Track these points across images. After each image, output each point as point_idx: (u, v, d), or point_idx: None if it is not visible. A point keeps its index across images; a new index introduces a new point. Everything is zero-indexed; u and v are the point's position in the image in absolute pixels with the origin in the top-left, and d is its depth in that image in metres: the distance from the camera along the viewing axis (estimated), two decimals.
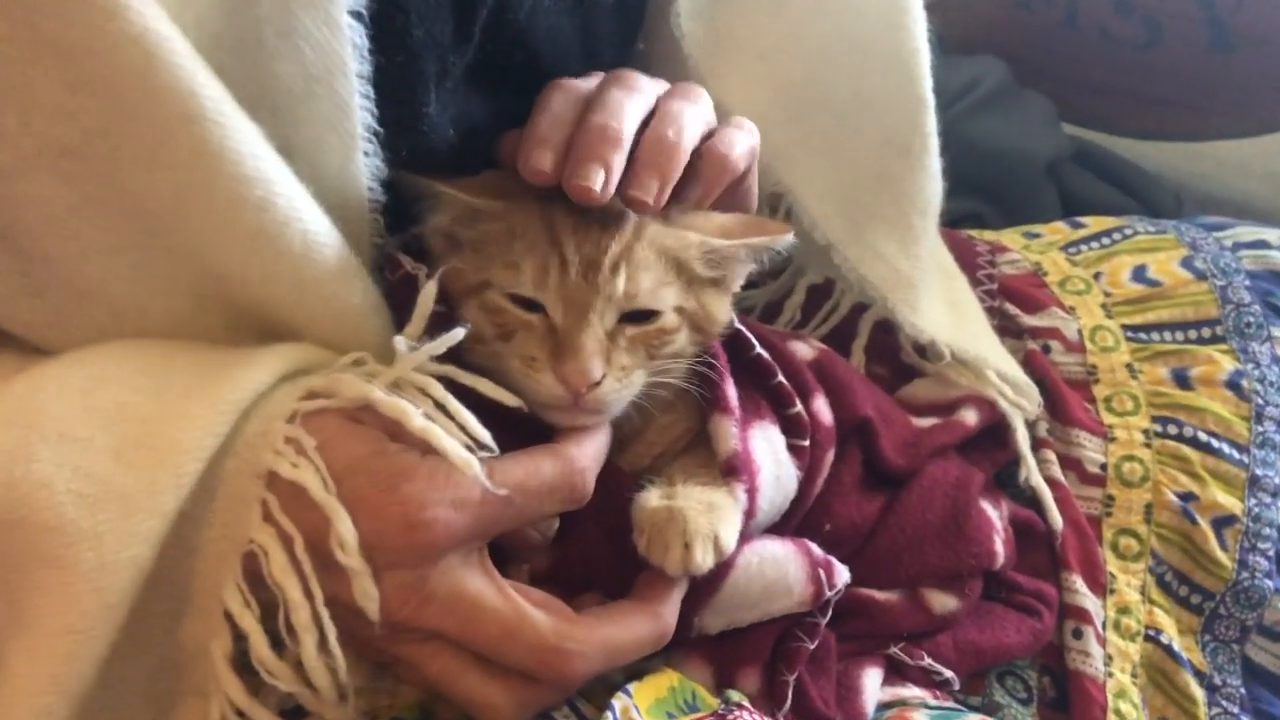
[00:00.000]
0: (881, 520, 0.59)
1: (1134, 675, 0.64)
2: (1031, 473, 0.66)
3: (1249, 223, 0.83)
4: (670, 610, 0.47)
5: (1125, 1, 1.24)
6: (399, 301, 0.48)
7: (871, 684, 0.56)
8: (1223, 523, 0.67)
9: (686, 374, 0.51)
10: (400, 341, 0.44)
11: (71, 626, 0.37)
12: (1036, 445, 0.69)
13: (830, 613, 0.54)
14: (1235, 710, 0.64)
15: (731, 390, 0.51)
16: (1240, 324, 0.73)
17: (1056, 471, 0.68)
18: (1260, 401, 0.70)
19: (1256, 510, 0.67)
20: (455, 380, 0.45)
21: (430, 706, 0.47)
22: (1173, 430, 0.69)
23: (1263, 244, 0.78)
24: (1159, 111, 1.28)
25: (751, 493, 0.49)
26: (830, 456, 0.56)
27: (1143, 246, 0.78)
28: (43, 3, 0.36)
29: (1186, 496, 0.67)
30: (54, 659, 0.38)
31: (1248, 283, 0.75)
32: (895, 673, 0.58)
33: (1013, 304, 0.75)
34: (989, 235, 0.85)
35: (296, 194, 0.41)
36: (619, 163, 0.46)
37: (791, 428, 0.53)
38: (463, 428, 0.43)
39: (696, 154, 0.50)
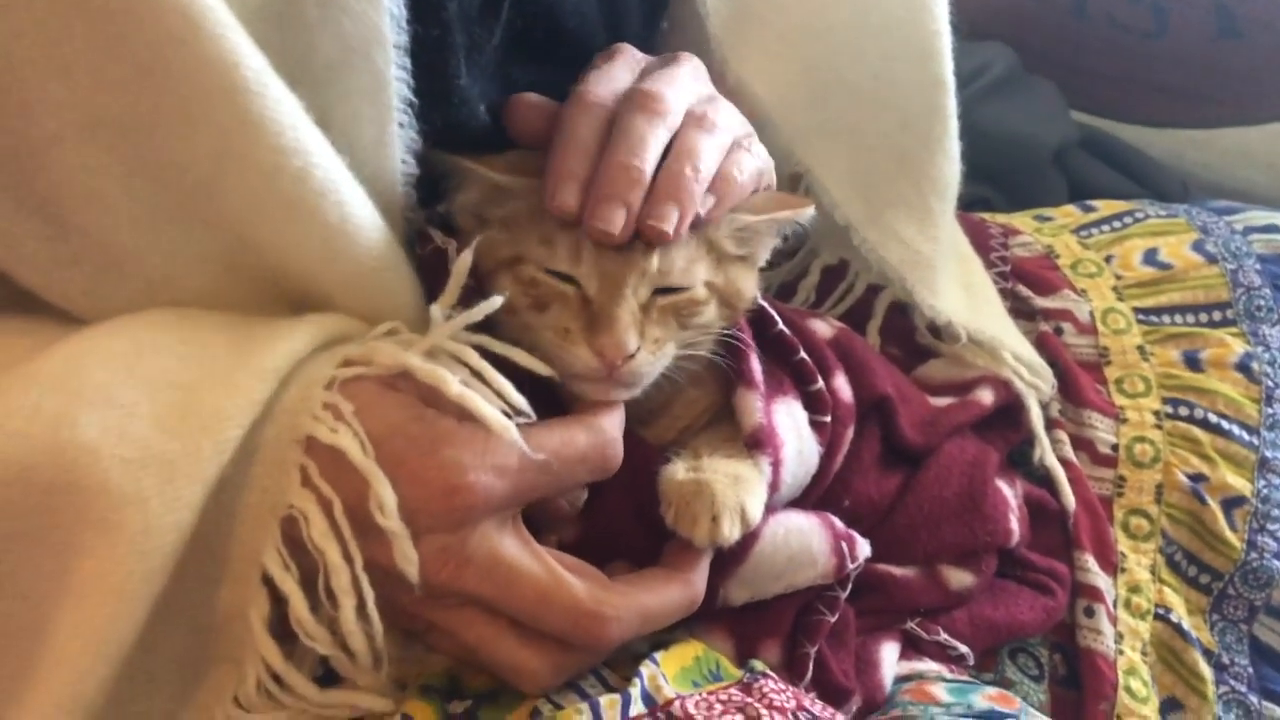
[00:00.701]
0: (899, 497, 0.59)
1: (1144, 653, 0.64)
2: (1046, 452, 0.67)
3: (1259, 207, 0.83)
4: (700, 577, 0.47)
5: None
6: (429, 275, 0.48)
7: (889, 657, 0.56)
8: (1232, 503, 0.67)
9: (714, 347, 0.52)
10: (436, 310, 0.45)
11: (116, 589, 0.38)
12: (1049, 426, 0.69)
13: (850, 587, 0.54)
14: (1243, 689, 0.65)
15: (756, 365, 0.52)
16: (1251, 307, 0.74)
17: (1069, 452, 0.69)
18: (1270, 384, 0.71)
19: (1266, 491, 0.68)
20: (488, 350, 0.45)
21: (458, 674, 0.47)
22: (1183, 412, 0.70)
23: (1274, 228, 0.79)
24: (1166, 99, 1.29)
25: (776, 465, 0.50)
26: (850, 433, 0.57)
27: (1154, 230, 0.79)
28: None
29: (1197, 477, 0.68)
30: (99, 620, 0.38)
31: (1258, 266, 0.75)
32: (912, 647, 0.59)
33: (1025, 286, 0.76)
34: (1001, 218, 0.85)
35: (334, 165, 0.41)
36: (639, 202, 0.46)
37: (813, 404, 0.54)
38: (499, 394, 0.43)
39: None
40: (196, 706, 0.44)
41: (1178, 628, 0.65)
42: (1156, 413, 0.70)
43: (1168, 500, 0.68)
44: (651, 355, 0.47)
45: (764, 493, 0.49)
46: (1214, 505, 0.67)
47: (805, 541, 0.51)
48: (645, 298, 0.48)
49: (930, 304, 0.66)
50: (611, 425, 0.46)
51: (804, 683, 0.51)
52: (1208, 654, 0.65)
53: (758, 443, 0.50)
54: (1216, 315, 0.74)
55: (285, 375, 0.42)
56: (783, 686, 0.46)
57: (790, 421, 0.52)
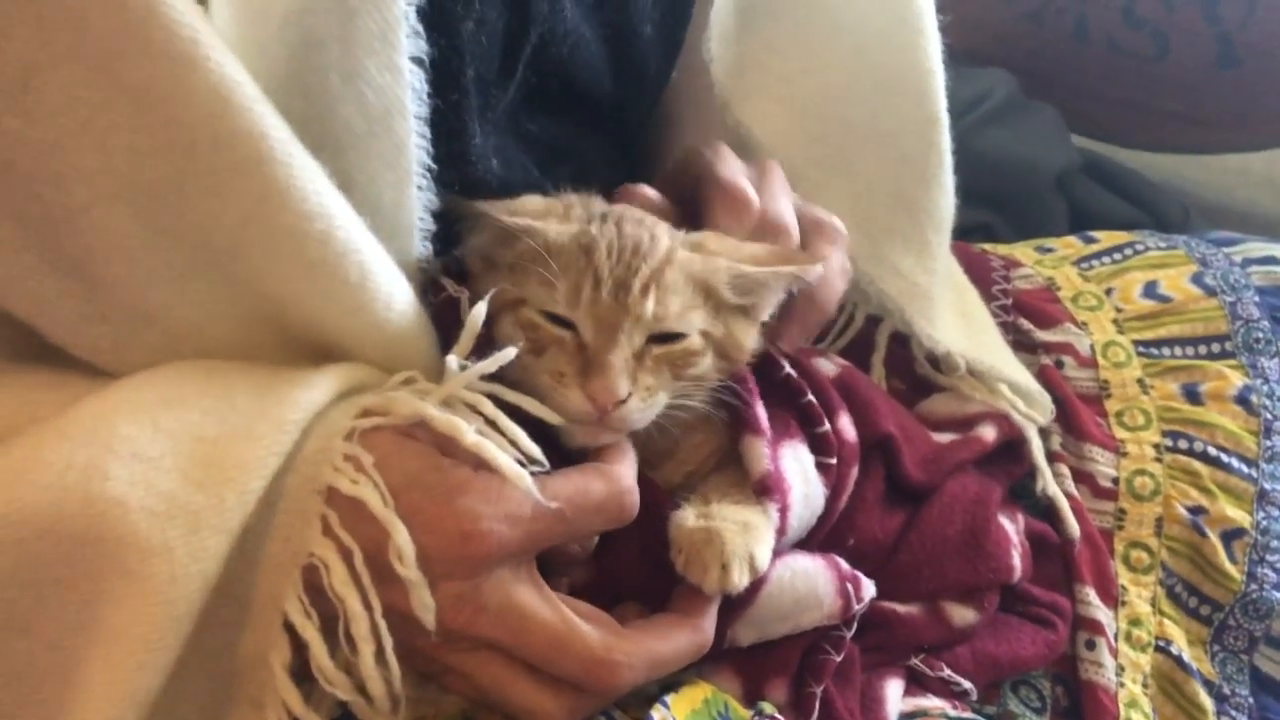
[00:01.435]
0: (903, 535, 0.60)
1: (1145, 685, 0.65)
2: (1048, 483, 0.68)
3: (1258, 238, 0.84)
4: (709, 623, 0.48)
5: (1134, 15, 1.25)
6: (442, 323, 0.49)
7: (894, 695, 0.57)
8: (1232, 535, 0.68)
9: (712, 399, 0.52)
10: (452, 360, 0.46)
11: (144, 637, 0.39)
12: (1050, 459, 0.70)
13: (855, 627, 0.55)
14: (1243, 719, 0.65)
15: (762, 411, 0.53)
16: (1250, 339, 0.74)
17: (1070, 485, 0.69)
18: (1269, 416, 0.71)
19: (1265, 523, 0.68)
20: (500, 398, 0.46)
21: (473, 716, 0.48)
22: (1183, 445, 0.70)
23: (1272, 260, 0.79)
24: (1167, 124, 1.30)
25: (784, 511, 0.51)
26: (855, 473, 0.57)
27: (1154, 262, 0.80)
28: (126, 53, 0.37)
29: (1196, 510, 0.68)
30: (127, 668, 0.39)
31: (1257, 299, 0.76)
32: (915, 683, 0.59)
33: (1026, 319, 0.77)
34: (1002, 250, 0.86)
35: (355, 227, 0.43)
36: None
37: (819, 446, 0.55)
38: (514, 443, 0.45)
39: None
40: None
41: (1178, 659, 0.65)
42: (1156, 446, 0.71)
43: (1168, 533, 0.68)
44: (642, 402, 0.48)
45: (772, 539, 0.50)
46: (1214, 537, 0.67)
47: (811, 584, 0.52)
48: (640, 345, 0.49)
49: (929, 334, 0.67)
50: (627, 474, 0.47)
51: None
52: (1208, 685, 0.65)
53: (766, 489, 0.50)
54: (1215, 348, 0.74)
55: (306, 426, 0.43)
56: None
57: (797, 466, 0.53)
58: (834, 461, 0.55)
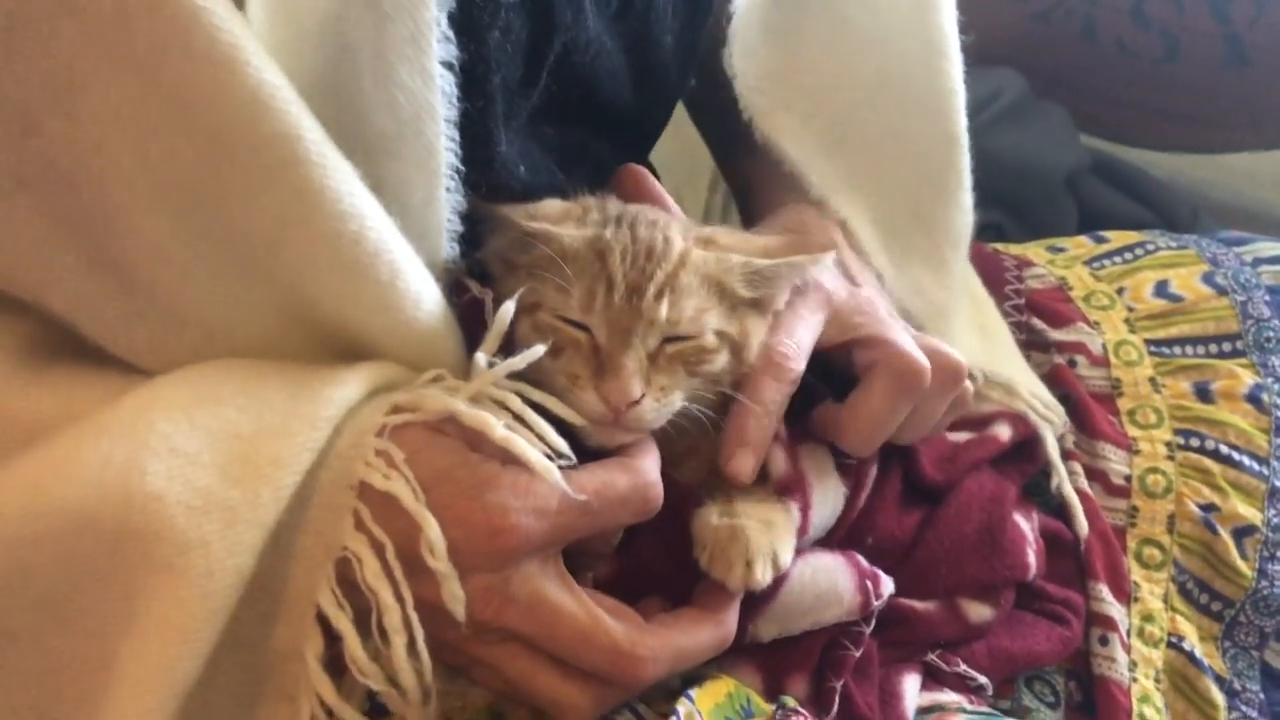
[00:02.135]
0: (921, 533, 0.61)
1: (1157, 680, 0.65)
2: (1063, 481, 0.68)
3: (1268, 238, 0.84)
4: (731, 618, 0.49)
5: (1143, 16, 1.26)
6: (466, 323, 0.50)
7: (911, 689, 0.58)
8: (1243, 533, 0.68)
9: (726, 402, 0.53)
10: (480, 358, 0.47)
11: (181, 629, 0.40)
12: (1064, 457, 0.70)
13: (874, 623, 0.56)
14: (1254, 714, 0.65)
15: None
16: (1260, 338, 0.75)
17: (1083, 483, 0.70)
18: None
19: (1276, 521, 0.68)
20: (524, 396, 0.47)
21: (500, 709, 0.49)
22: (1195, 443, 0.71)
23: None
24: (1176, 124, 1.30)
25: (805, 510, 0.51)
26: (873, 472, 0.58)
27: (1164, 262, 0.80)
28: (166, 56, 0.38)
29: (1208, 507, 0.69)
30: (164, 659, 0.40)
31: (1267, 298, 0.76)
32: (932, 679, 0.60)
33: (1039, 319, 0.78)
34: (1015, 250, 0.86)
35: (386, 228, 0.44)
36: None
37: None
38: (541, 438, 0.45)
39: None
40: None
41: (1190, 655, 0.66)
42: (1169, 444, 0.71)
43: (1180, 530, 0.69)
44: (656, 402, 0.49)
45: (794, 538, 0.50)
46: (1225, 535, 0.68)
47: (832, 580, 0.53)
48: (654, 346, 0.49)
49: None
50: (651, 468, 0.48)
51: (830, 716, 0.52)
52: (1220, 680, 0.66)
53: (787, 489, 0.51)
54: (1226, 346, 0.75)
55: (338, 423, 0.44)
56: None
57: (816, 466, 0.54)
58: (853, 462, 0.56)
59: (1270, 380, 0.73)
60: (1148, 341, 0.76)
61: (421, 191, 0.46)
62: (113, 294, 0.43)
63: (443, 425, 0.45)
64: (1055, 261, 0.83)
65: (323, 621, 0.44)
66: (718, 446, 0.53)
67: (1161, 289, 0.78)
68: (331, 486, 0.43)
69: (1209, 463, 0.70)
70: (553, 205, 0.53)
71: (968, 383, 0.60)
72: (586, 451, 0.48)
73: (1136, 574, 0.68)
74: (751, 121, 0.63)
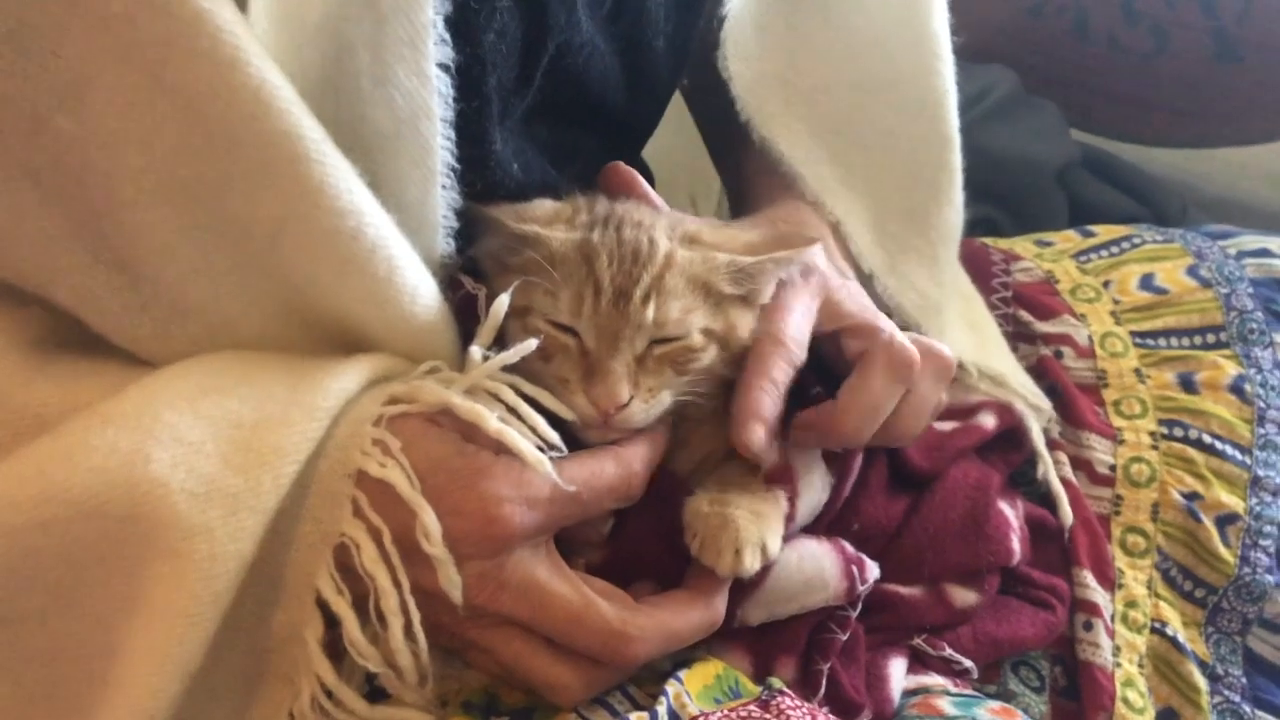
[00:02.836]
0: (906, 520, 0.62)
1: (1140, 665, 0.66)
2: (1049, 469, 0.69)
3: (1252, 231, 0.85)
4: (720, 601, 0.50)
5: (1134, 11, 1.26)
6: (461, 319, 0.51)
7: (897, 673, 0.59)
8: (1226, 521, 0.69)
9: (719, 392, 0.54)
10: (475, 351, 0.48)
11: (184, 611, 0.41)
12: (1049, 447, 0.71)
13: (860, 607, 0.57)
14: (1236, 699, 0.67)
15: None
16: (1244, 330, 0.76)
17: (1068, 472, 0.71)
18: (1262, 405, 0.73)
19: (1258, 509, 0.69)
20: (518, 389, 0.49)
21: (495, 692, 0.50)
22: (1179, 433, 0.72)
23: (1265, 252, 0.81)
24: (1166, 119, 1.30)
25: (793, 499, 0.52)
26: (859, 461, 0.59)
27: (1150, 255, 0.81)
28: (171, 55, 0.39)
29: (1191, 496, 0.70)
30: (168, 641, 0.41)
31: (1251, 290, 0.77)
32: (918, 662, 0.61)
33: (1026, 311, 0.79)
34: (1003, 244, 0.87)
35: (384, 224, 0.45)
36: None
37: None
38: (534, 430, 0.47)
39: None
40: None
41: (1173, 641, 0.67)
42: (1153, 434, 0.72)
43: (1163, 518, 0.70)
44: (645, 404, 0.50)
45: (782, 526, 0.51)
46: (1208, 522, 0.69)
47: (818, 566, 0.54)
48: (641, 349, 0.50)
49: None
50: (636, 458, 0.49)
51: (818, 698, 0.53)
52: (1203, 665, 0.67)
53: (776, 479, 0.52)
54: (1210, 338, 0.76)
55: (337, 413, 0.45)
56: (799, 703, 0.48)
57: (804, 456, 0.54)
58: (840, 450, 0.57)
59: (1253, 371, 0.74)
60: (1133, 333, 0.77)
61: (418, 189, 0.47)
62: (118, 287, 0.44)
63: (438, 416, 0.46)
64: (1043, 255, 0.84)
65: (322, 606, 0.45)
66: (714, 431, 0.54)
67: (1147, 282, 0.79)
68: (330, 475, 0.45)
69: (1192, 452, 0.71)
70: (542, 206, 0.54)
71: (941, 398, 0.61)
72: (577, 441, 0.50)
73: (1120, 561, 0.69)
74: (749, 123, 0.64)
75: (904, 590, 0.61)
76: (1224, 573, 0.68)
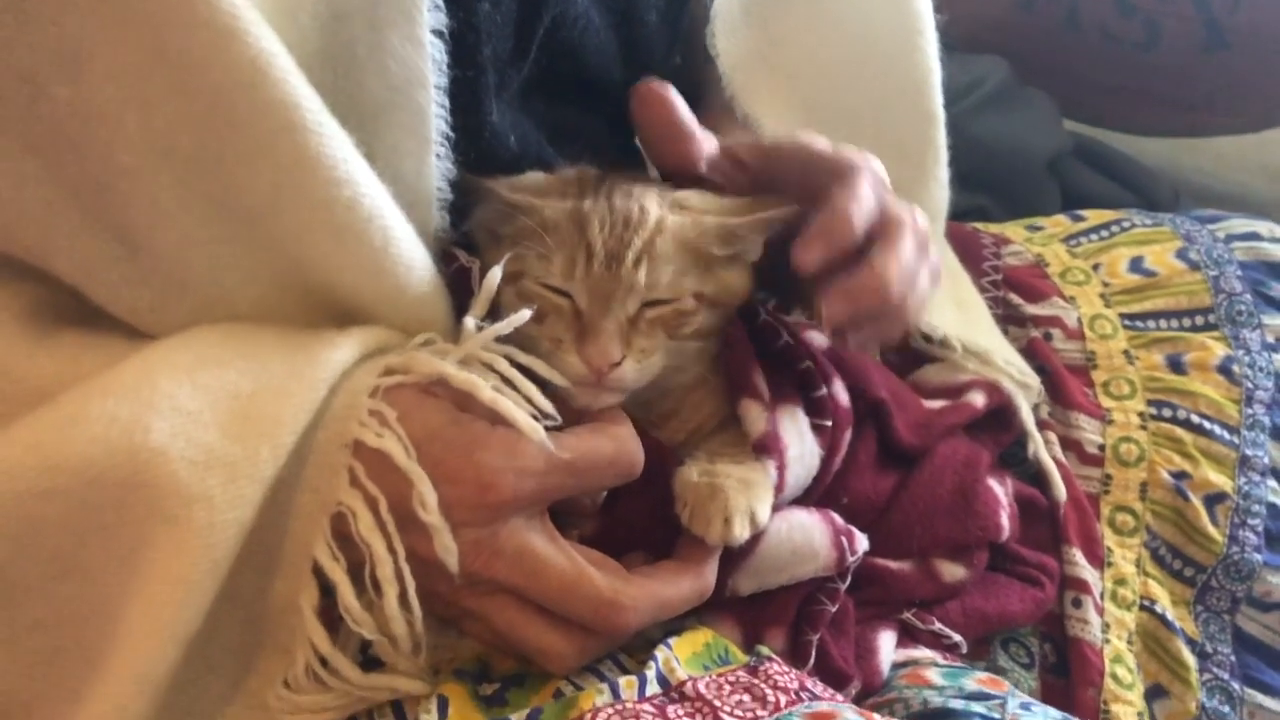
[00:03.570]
0: (895, 495, 0.62)
1: (1129, 642, 0.67)
2: (1039, 447, 0.70)
3: (1241, 215, 0.86)
4: (710, 570, 0.51)
5: (1125, 2, 1.27)
6: (455, 292, 0.52)
7: (887, 645, 0.59)
8: (1214, 500, 0.70)
9: (711, 363, 0.55)
10: (469, 322, 0.48)
11: (184, 577, 0.41)
12: (1039, 427, 0.72)
13: (849, 579, 0.57)
14: (1225, 676, 0.67)
15: (759, 377, 0.55)
16: (1232, 312, 0.77)
17: (1058, 452, 0.72)
18: (1250, 385, 0.74)
19: (1246, 488, 0.70)
20: (511, 359, 0.49)
21: (488, 660, 0.51)
22: (1167, 413, 0.73)
23: (1254, 235, 0.82)
24: (1158, 109, 1.31)
25: (781, 469, 0.53)
26: (848, 436, 0.59)
27: (1139, 239, 0.82)
28: (171, 25, 0.39)
29: (1180, 475, 0.71)
30: (167, 606, 0.42)
31: (1239, 273, 0.78)
32: (908, 636, 0.61)
33: (1016, 294, 0.79)
34: (994, 228, 0.88)
35: (379, 194, 0.45)
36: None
37: (815, 409, 0.57)
38: (528, 400, 0.47)
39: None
40: (248, 691, 0.48)
41: (1162, 618, 0.68)
42: (1141, 414, 0.73)
43: (1152, 497, 0.71)
44: (637, 364, 0.51)
45: (771, 496, 0.52)
46: (1196, 501, 0.70)
47: (808, 536, 0.55)
48: (633, 311, 0.51)
49: (926, 320, 0.70)
50: (629, 434, 0.50)
51: (807, 668, 0.54)
52: (1191, 643, 0.68)
53: (764, 448, 0.53)
54: (1199, 320, 0.77)
55: (333, 384, 0.46)
56: (786, 669, 0.49)
57: (794, 428, 0.55)
58: (829, 424, 0.57)
59: (1241, 352, 0.75)
60: (1122, 315, 0.78)
61: (413, 160, 0.48)
62: (117, 257, 0.45)
63: (433, 387, 0.47)
64: (1033, 239, 0.85)
65: (319, 577, 0.46)
66: (704, 401, 0.56)
67: (1136, 265, 0.80)
68: (327, 445, 0.45)
69: (1181, 432, 0.72)
70: (534, 177, 0.55)
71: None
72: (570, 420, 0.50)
73: (1110, 539, 0.70)
74: (733, 99, 0.64)
75: (893, 565, 0.62)
76: (1212, 551, 0.69)
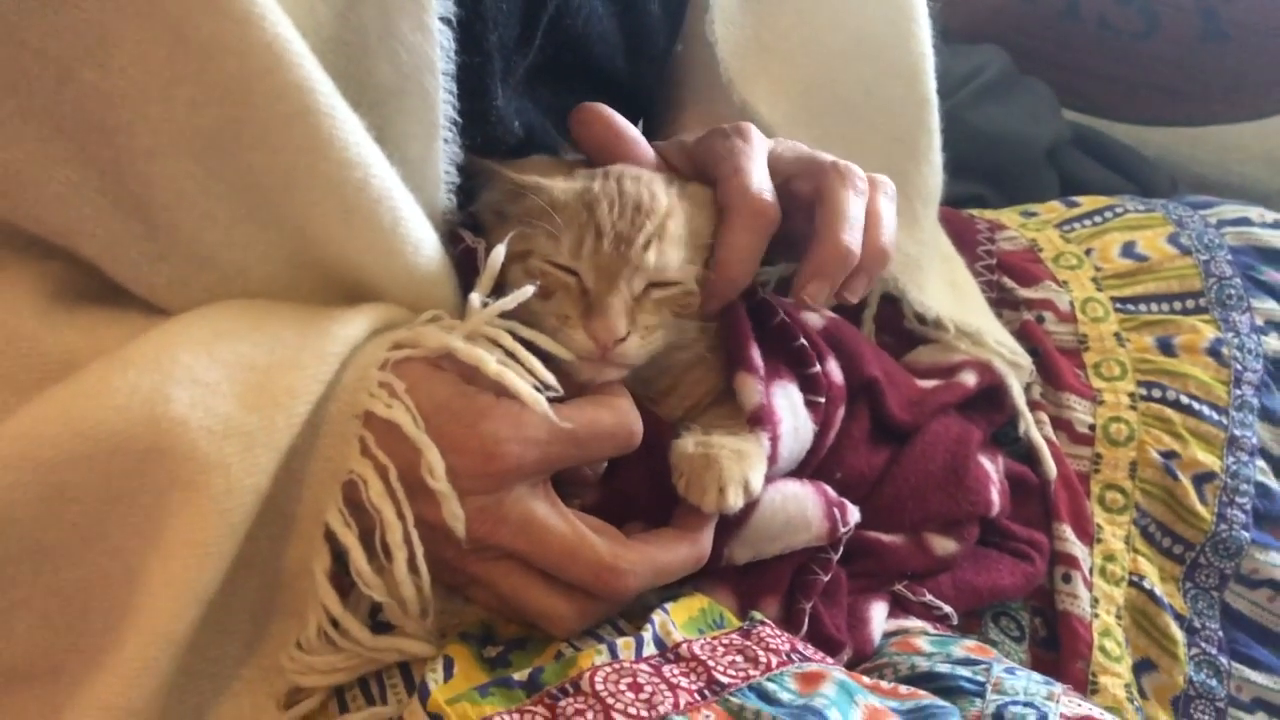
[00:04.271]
0: (888, 471, 0.64)
1: (1118, 617, 0.68)
2: (1030, 426, 0.71)
3: (1233, 201, 0.87)
4: (706, 537, 0.52)
5: None
6: (461, 270, 0.54)
7: (878, 616, 0.61)
8: (1203, 479, 0.71)
9: (710, 335, 0.57)
10: (475, 298, 0.50)
11: (202, 542, 0.43)
12: (1030, 408, 0.73)
13: (842, 550, 0.59)
14: (1213, 651, 0.69)
15: (755, 352, 0.57)
16: (1222, 295, 0.78)
17: (1049, 432, 0.73)
18: (1239, 367, 0.75)
19: (1234, 468, 0.72)
20: (516, 334, 0.51)
21: (492, 624, 0.53)
22: (1157, 394, 0.74)
23: (1244, 221, 0.83)
24: (1157, 98, 1.32)
25: (774, 441, 0.54)
26: (841, 412, 0.61)
27: (1132, 224, 0.83)
28: (190, 11, 0.41)
29: (1169, 454, 0.72)
30: (186, 569, 0.43)
31: (1230, 257, 0.79)
32: (899, 607, 0.63)
33: (1010, 278, 0.81)
34: (988, 214, 0.89)
35: (389, 176, 0.47)
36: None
37: (809, 385, 0.59)
38: (531, 372, 0.49)
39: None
40: (262, 653, 0.50)
41: (1150, 594, 0.69)
42: (1131, 395, 0.74)
43: (1141, 476, 0.72)
44: (642, 340, 0.52)
45: (764, 466, 0.53)
46: (1185, 480, 0.71)
47: (801, 506, 0.56)
48: (639, 289, 0.53)
49: (919, 300, 0.72)
50: (629, 406, 0.52)
51: (800, 635, 0.56)
52: (1180, 618, 0.69)
53: (758, 420, 0.54)
54: (1189, 303, 0.78)
55: (345, 358, 0.47)
56: (778, 633, 0.50)
57: (787, 402, 0.57)
58: (822, 400, 0.59)
59: (1230, 335, 0.76)
60: (1114, 299, 0.79)
61: (421, 144, 0.49)
62: (138, 236, 0.46)
63: (440, 360, 0.49)
64: (1027, 225, 0.86)
65: (331, 542, 0.48)
66: (701, 377, 0.57)
67: (1128, 249, 0.81)
68: (339, 416, 0.47)
69: (1170, 412, 0.73)
70: (541, 160, 0.57)
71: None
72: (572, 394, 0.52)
73: (1099, 517, 0.71)
74: (730, 85, 0.66)
75: (885, 537, 0.63)
76: (1201, 529, 0.70)
